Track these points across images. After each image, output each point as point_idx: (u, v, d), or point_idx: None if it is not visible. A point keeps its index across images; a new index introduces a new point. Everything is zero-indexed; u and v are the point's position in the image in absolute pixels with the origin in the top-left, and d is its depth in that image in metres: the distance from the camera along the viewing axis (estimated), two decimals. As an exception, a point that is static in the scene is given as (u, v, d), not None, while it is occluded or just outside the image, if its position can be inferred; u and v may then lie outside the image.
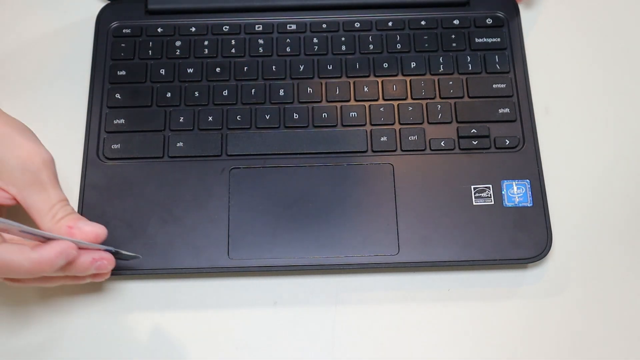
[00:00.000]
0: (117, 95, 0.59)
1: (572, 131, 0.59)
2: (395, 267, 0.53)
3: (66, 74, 0.61)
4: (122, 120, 0.58)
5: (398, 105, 0.59)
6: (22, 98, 0.60)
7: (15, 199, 0.49)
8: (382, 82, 0.59)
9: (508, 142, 0.57)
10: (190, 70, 0.60)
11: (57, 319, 0.53)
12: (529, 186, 0.55)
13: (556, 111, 0.60)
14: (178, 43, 0.61)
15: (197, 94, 0.59)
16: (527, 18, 0.63)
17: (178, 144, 0.57)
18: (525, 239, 0.54)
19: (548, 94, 0.61)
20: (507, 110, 0.58)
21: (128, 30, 0.61)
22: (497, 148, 0.57)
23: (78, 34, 0.63)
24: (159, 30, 0.61)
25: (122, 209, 0.55)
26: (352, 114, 0.58)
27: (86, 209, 0.55)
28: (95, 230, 0.49)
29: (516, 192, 0.55)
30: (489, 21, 0.62)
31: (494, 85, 0.59)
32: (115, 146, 0.57)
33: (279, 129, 0.58)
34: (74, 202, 0.55)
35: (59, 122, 0.59)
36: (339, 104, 0.59)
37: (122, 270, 0.53)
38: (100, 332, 0.53)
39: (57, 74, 0.62)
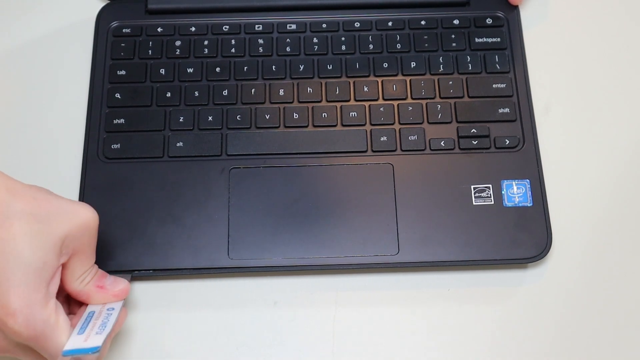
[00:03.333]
0: (117, 95, 0.59)
1: (572, 131, 0.59)
2: (395, 267, 0.53)
3: (66, 73, 0.61)
4: (122, 120, 0.58)
5: (398, 105, 0.59)
6: (22, 98, 0.60)
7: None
8: (382, 82, 0.59)
9: (508, 142, 0.57)
10: (190, 70, 0.60)
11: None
12: (529, 186, 0.55)
13: (556, 111, 0.60)
14: (178, 43, 0.61)
15: (197, 93, 0.59)
16: (527, 18, 0.63)
17: (178, 144, 0.57)
18: (525, 238, 0.54)
19: (548, 93, 0.61)
20: (507, 110, 0.58)
21: (128, 30, 0.61)
22: (497, 148, 0.57)
23: (78, 34, 0.63)
24: (159, 30, 0.61)
25: (122, 209, 0.55)
26: (352, 113, 0.58)
27: (86, 209, 0.55)
28: (124, 289, 0.50)
29: (516, 192, 0.55)
30: (488, 21, 0.62)
31: (494, 85, 0.59)
32: (115, 146, 0.57)
33: (279, 129, 0.58)
34: (74, 202, 0.55)
35: (59, 122, 0.59)
36: (338, 104, 0.59)
37: (122, 270, 0.53)
38: (100, 332, 0.53)
39: (57, 74, 0.62)
